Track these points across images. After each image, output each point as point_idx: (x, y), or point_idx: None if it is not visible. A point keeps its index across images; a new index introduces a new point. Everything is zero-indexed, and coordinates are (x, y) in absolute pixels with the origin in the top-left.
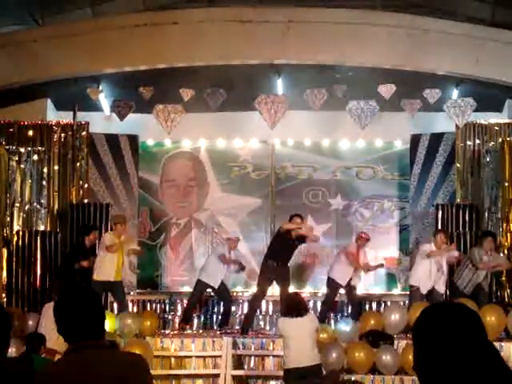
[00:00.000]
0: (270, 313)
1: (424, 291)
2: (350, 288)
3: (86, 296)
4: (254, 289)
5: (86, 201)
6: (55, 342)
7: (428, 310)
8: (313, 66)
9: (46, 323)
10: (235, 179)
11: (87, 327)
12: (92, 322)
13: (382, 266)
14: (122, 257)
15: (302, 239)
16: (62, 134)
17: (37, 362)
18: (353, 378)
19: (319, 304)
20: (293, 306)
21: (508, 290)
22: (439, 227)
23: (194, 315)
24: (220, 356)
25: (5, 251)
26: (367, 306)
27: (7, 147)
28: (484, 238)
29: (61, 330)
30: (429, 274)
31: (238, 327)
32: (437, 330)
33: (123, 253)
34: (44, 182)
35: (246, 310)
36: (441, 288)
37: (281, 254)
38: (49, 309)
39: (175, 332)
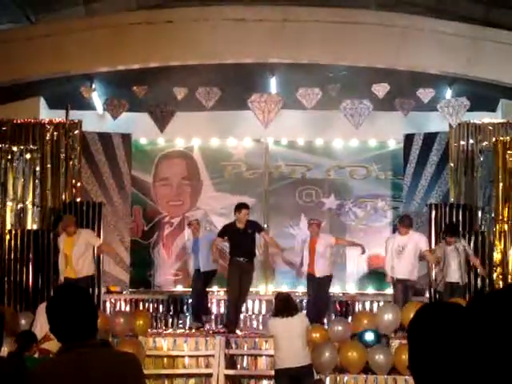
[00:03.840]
0: (263, 312)
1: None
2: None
3: (78, 295)
4: None
5: (78, 200)
6: (50, 342)
7: (423, 310)
8: (306, 65)
9: (41, 323)
10: (228, 178)
11: (79, 326)
12: (84, 321)
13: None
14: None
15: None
16: (55, 133)
17: (29, 362)
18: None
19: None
20: (283, 306)
21: None
22: (433, 227)
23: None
24: (213, 355)
25: None
26: (360, 306)
27: None
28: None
29: (53, 329)
30: None
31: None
32: (432, 330)
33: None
34: (36, 181)
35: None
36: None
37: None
38: (43, 309)
39: (168, 331)
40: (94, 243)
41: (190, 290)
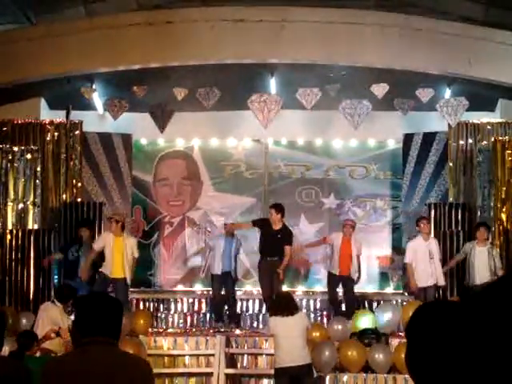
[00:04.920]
0: (264, 311)
1: None
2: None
3: (109, 299)
4: (247, 287)
5: (79, 200)
6: (51, 341)
7: (420, 309)
8: (306, 65)
9: (43, 322)
10: (228, 178)
11: (105, 325)
12: (111, 322)
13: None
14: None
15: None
16: (56, 133)
17: (30, 361)
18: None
19: (312, 303)
20: (283, 305)
21: None
22: (432, 226)
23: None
24: (213, 354)
25: None
26: (360, 305)
27: (0, 146)
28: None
29: (78, 323)
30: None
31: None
32: (429, 329)
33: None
34: (37, 181)
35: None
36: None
37: None
38: (45, 309)
39: (168, 330)
40: (135, 254)
41: (211, 293)
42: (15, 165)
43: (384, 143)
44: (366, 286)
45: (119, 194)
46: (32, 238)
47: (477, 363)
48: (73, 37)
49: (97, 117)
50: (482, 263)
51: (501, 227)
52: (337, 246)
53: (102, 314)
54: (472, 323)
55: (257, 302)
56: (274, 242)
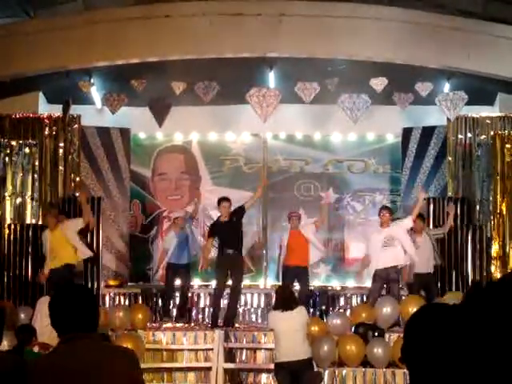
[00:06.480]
0: (262, 306)
1: None
2: None
3: (81, 291)
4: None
5: (77, 194)
6: (49, 336)
7: (420, 312)
8: (305, 59)
9: (41, 317)
10: (227, 172)
11: (80, 319)
12: (84, 315)
13: None
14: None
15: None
16: (54, 127)
17: (29, 356)
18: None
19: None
20: (283, 300)
21: None
22: (431, 220)
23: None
24: (212, 349)
25: None
26: (359, 299)
27: None
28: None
29: (54, 322)
30: None
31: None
32: (428, 333)
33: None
34: (35, 175)
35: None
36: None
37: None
38: (43, 303)
39: (167, 325)
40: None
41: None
42: (13, 159)
43: (383, 137)
44: (364, 279)
45: (117, 189)
46: (30, 232)
47: (473, 364)
48: (71, 31)
49: (95, 111)
50: (426, 251)
51: (500, 221)
52: (285, 240)
53: (74, 309)
54: (467, 325)
55: (255, 296)
56: (229, 232)
